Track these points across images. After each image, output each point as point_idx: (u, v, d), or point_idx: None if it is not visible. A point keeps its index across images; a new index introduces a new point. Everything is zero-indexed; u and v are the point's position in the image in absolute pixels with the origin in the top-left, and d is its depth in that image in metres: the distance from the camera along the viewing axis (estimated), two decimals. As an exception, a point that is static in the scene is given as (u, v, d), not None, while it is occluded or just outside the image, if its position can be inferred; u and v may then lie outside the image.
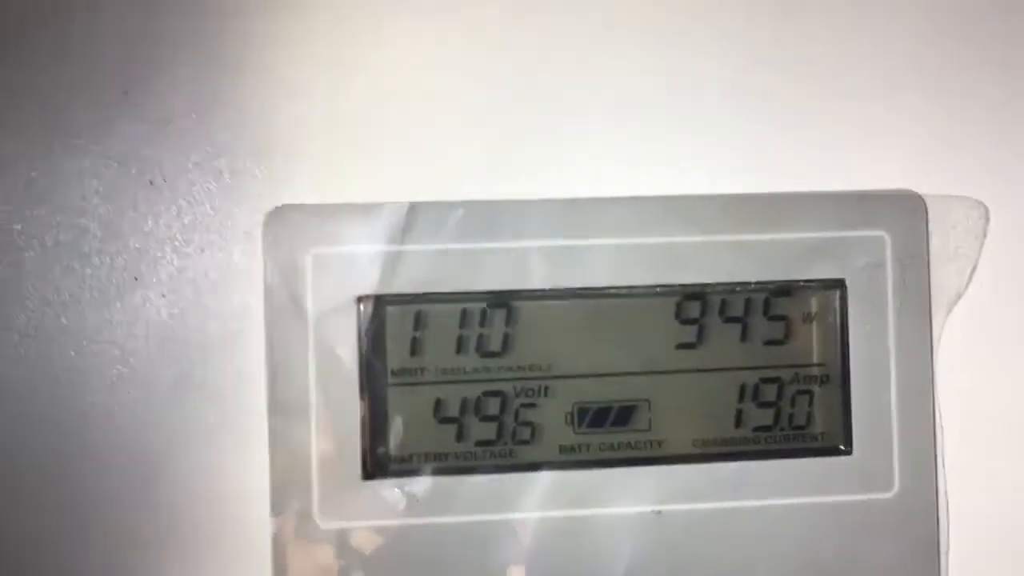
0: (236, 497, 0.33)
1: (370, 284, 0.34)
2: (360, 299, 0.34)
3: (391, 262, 0.34)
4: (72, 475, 0.32)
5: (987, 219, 0.36)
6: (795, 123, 0.35)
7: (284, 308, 0.33)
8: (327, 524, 0.33)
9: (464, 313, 0.35)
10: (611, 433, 0.35)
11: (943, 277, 0.36)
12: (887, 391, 0.35)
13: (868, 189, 0.35)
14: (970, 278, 0.36)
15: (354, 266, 0.34)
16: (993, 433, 0.36)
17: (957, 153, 0.36)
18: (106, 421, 0.33)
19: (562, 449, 0.35)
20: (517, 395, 0.35)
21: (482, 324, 0.35)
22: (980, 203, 0.36)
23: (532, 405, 0.35)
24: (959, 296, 0.36)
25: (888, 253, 0.35)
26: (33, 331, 0.32)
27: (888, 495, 0.35)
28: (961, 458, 0.35)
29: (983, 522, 0.35)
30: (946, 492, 0.35)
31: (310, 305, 0.33)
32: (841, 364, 0.35)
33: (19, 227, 0.32)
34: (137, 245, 0.33)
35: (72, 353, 0.33)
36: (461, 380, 0.35)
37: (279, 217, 0.33)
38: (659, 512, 0.34)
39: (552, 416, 0.35)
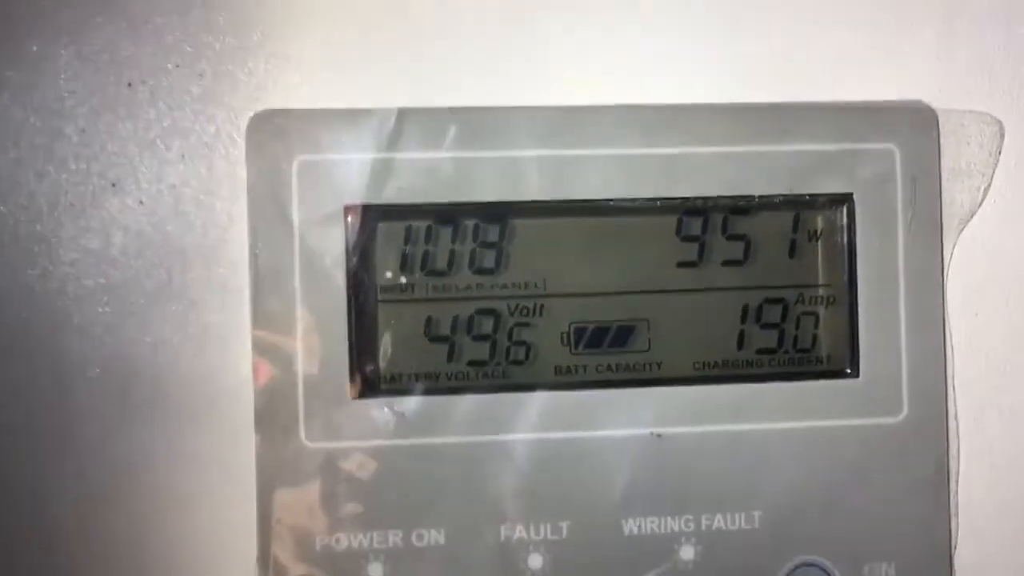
0: (218, 411, 0.32)
1: (358, 193, 0.32)
2: (347, 209, 0.32)
3: (380, 171, 0.32)
4: (47, 386, 0.31)
5: (1002, 136, 0.34)
6: (804, 30, 0.33)
7: (268, 217, 0.32)
8: (314, 443, 0.32)
9: (457, 228, 0.33)
10: (609, 354, 0.33)
11: (955, 194, 0.34)
12: (896, 312, 0.33)
13: (878, 100, 0.33)
14: (984, 196, 0.34)
15: (341, 174, 0.32)
16: (1006, 355, 0.34)
17: (973, 68, 0.34)
18: (82, 333, 0.31)
19: (558, 370, 0.33)
20: (511, 314, 0.33)
21: (475, 239, 0.33)
22: (995, 119, 0.34)
23: (527, 324, 0.33)
24: (972, 214, 0.34)
25: (898, 167, 0.33)
26: (6, 239, 0.31)
27: (896, 419, 0.33)
28: (972, 381, 0.34)
29: (994, 447, 0.34)
30: (956, 416, 0.34)
31: (296, 214, 0.32)
32: (848, 284, 0.34)
33: (-10, 129, 0.31)
34: (115, 149, 0.31)
35: (47, 262, 0.31)
36: (453, 297, 0.33)
37: (263, 122, 0.32)
38: (659, 435, 0.33)
39: (547, 336, 0.33)
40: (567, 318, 0.33)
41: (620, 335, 0.33)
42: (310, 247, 0.32)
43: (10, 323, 0.31)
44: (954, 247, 0.34)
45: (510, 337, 0.33)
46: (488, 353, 0.33)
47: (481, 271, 0.33)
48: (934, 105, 0.33)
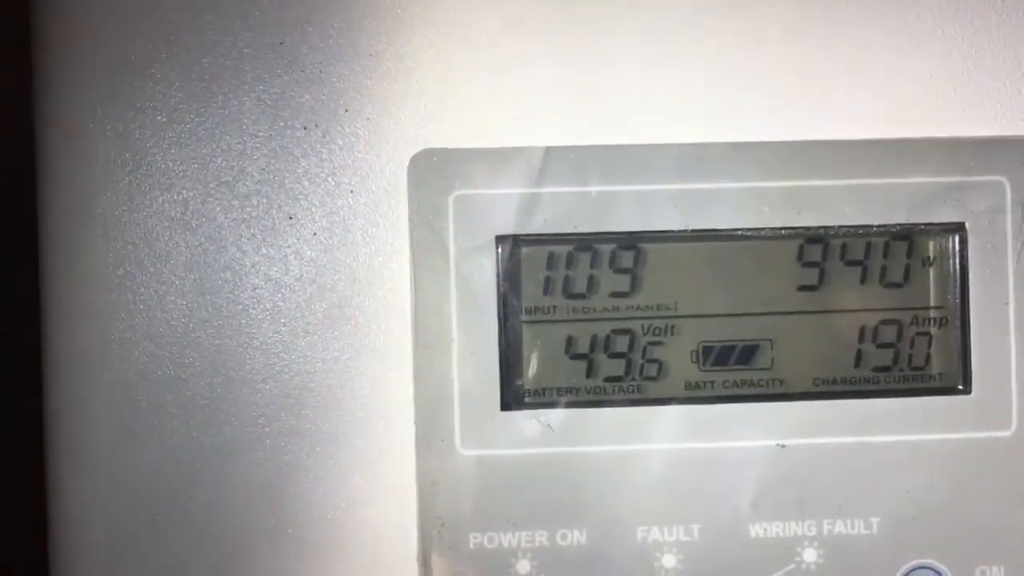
0: (382, 426, 0.34)
1: (508, 225, 0.34)
2: (499, 239, 0.35)
3: (528, 204, 0.34)
4: (229, 401, 0.34)
5: (1107, 167, 0.35)
6: (919, 67, 0.35)
7: (427, 247, 0.34)
8: (468, 451, 0.34)
9: (595, 254, 0.35)
10: (735, 371, 0.36)
11: (1063, 222, 0.35)
12: (1006, 332, 0.35)
13: (988, 135, 0.35)
14: (1089, 224, 0.35)
15: (493, 207, 0.34)
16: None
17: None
18: (262, 352, 0.34)
19: (688, 385, 0.35)
20: (644, 333, 0.35)
21: (611, 265, 0.36)
22: (1100, 150, 0.35)
23: (659, 343, 0.35)
24: (1079, 241, 0.35)
25: (1008, 198, 0.35)
26: (197, 266, 0.34)
27: (1006, 433, 0.35)
28: (1079, 398, 0.35)
29: (1101, 460, 0.35)
30: (1064, 431, 0.35)
31: (452, 244, 0.34)
32: (960, 306, 0.35)
33: (183, 167, 0.34)
34: (291, 186, 0.34)
35: (232, 288, 0.34)
36: (591, 318, 0.35)
37: (423, 160, 0.34)
38: (783, 446, 0.35)
39: (678, 354, 0.36)
40: (696, 337, 0.35)
41: (745, 353, 0.36)
42: (465, 273, 0.34)
43: (202, 342, 0.34)
44: (1061, 272, 0.35)
45: (643, 355, 0.35)
46: (624, 370, 0.35)
47: (616, 294, 0.35)
48: (1043, 139, 0.35)
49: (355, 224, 0.34)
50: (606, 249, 0.35)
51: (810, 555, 0.34)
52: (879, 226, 0.35)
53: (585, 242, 0.35)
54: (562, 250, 0.35)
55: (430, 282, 0.34)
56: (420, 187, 0.34)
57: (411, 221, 0.34)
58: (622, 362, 0.35)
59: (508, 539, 0.34)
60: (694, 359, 0.35)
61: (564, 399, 0.35)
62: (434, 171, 0.34)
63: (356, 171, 0.34)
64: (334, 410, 0.34)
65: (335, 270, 0.34)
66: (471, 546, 0.34)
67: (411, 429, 0.34)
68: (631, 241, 0.35)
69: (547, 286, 0.35)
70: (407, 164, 0.34)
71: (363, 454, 0.34)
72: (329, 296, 0.34)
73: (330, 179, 0.34)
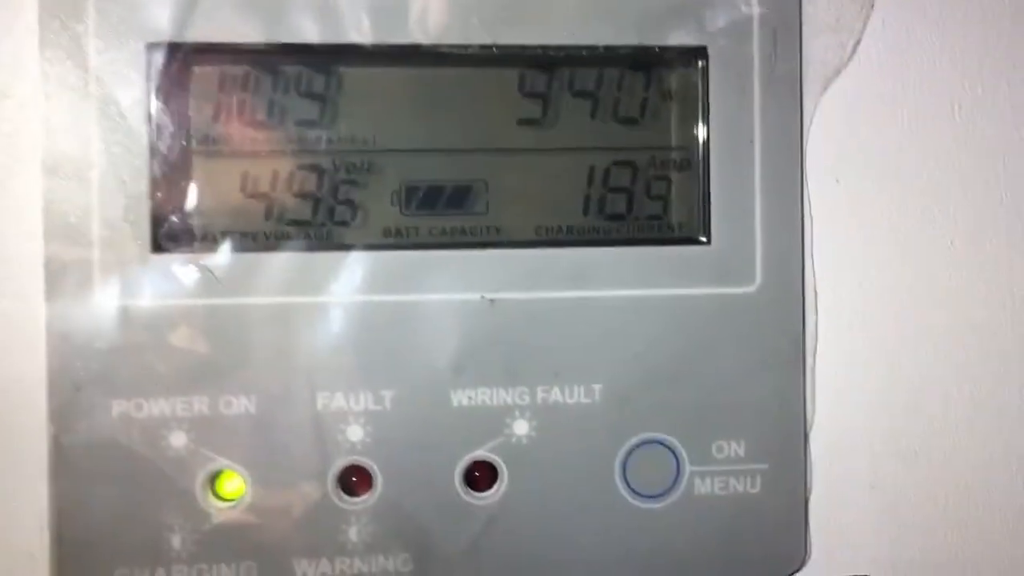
0: (5, 266, 0.28)
1: (162, 30, 0.28)
2: (151, 47, 0.28)
3: (187, 5, 0.28)
4: None
5: (874, -13, 0.30)
6: None
7: (60, 54, 0.27)
8: (109, 301, 0.28)
9: (278, 75, 0.29)
10: (443, 216, 0.30)
11: (820, 50, 0.30)
12: (751, 177, 0.30)
13: (733, -56, 0.30)
14: (852, 53, 0.30)
15: (144, 8, 0.28)
16: (867, 225, 0.30)
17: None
18: None
19: (386, 232, 0.29)
20: (337, 170, 0.29)
21: (298, 88, 0.29)
22: (866, -32, 0.30)
23: (354, 182, 0.29)
24: (838, 72, 0.30)
25: (755, 18, 0.30)
26: None
27: (749, 289, 0.30)
28: (831, 251, 0.30)
29: (853, 321, 0.30)
30: (814, 287, 0.30)
31: (92, 52, 0.28)
32: (702, 147, 0.30)
33: None
34: None
35: None
36: (272, 151, 0.29)
37: (56, -53, 0.27)
38: (491, 300, 0.29)
39: (376, 195, 0.29)
40: (398, 177, 0.29)
41: (456, 196, 0.30)
42: (108, 88, 0.28)
43: None
44: (816, 108, 0.30)
45: (335, 195, 0.29)
46: (311, 212, 0.29)
47: (304, 123, 0.29)
48: (796, -47, 0.30)
49: (-30, 23, 0.27)
50: (291, 70, 0.29)
51: (521, 427, 0.29)
52: (608, 47, 0.29)
53: (265, 59, 0.28)
54: (237, 68, 0.28)
55: (64, 97, 0.27)
56: (52, -20, 0.27)
57: (41, 22, 0.27)
58: (309, 203, 0.29)
59: (160, 407, 0.28)
60: (395, 202, 0.29)
61: (234, 243, 0.28)
62: (69, -39, 0.27)
63: (-29, -42, 0.27)
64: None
65: (-56, 78, 0.27)
66: (114, 415, 0.27)
67: (40, 272, 0.27)
68: (322, 61, 0.29)
69: (217, 110, 0.28)
70: (35, -49, 0.27)
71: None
72: (-64, 110, 0.27)
73: (-62, -34, 0.27)
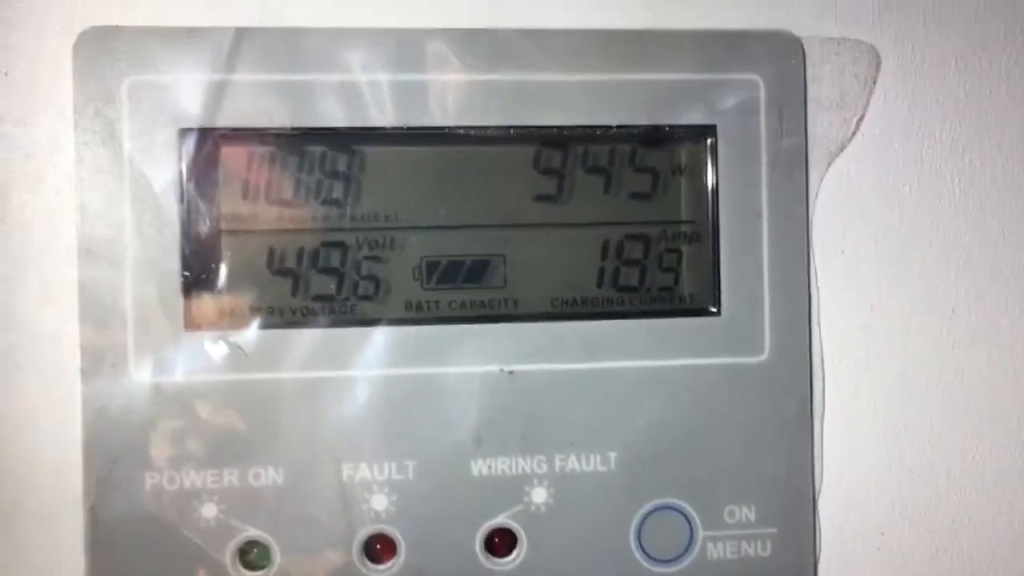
0: (44, 348, 0.29)
1: (193, 117, 0.29)
2: (183, 132, 0.29)
3: (216, 93, 0.29)
4: None
5: (877, 65, 0.31)
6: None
7: (96, 140, 0.29)
8: (143, 376, 0.29)
9: (303, 155, 0.30)
10: (462, 290, 0.31)
11: (824, 126, 0.31)
12: (759, 249, 0.31)
13: (740, 28, 0.31)
14: (856, 128, 0.31)
15: (176, 96, 0.29)
16: (872, 294, 0.31)
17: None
18: None
19: (408, 306, 0.30)
20: (360, 246, 0.30)
21: (323, 168, 0.30)
22: (871, 47, 0.31)
23: (376, 258, 0.30)
24: (843, 147, 0.31)
25: (762, 98, 0.31)
26: None
27: (758, 359, 0.31)
28: (837, 321, 0.31)
29: (860, 388, 0.31)
30: (821, 356, 0.31)
31: (125, 138, 0.29)
32: (711, 220, 0.31)
33: None
34: (-69, 66, 0.28)
35: None
36: (298, 229, 0.30)
37: (92, 39, 0.29)
38: (510, 372, 0.30)
39: (398, 270, 0.30)
40: (419, 252, 0.30)
41: (475, 270, 0.31)
42: (142, 171, 0.29)
43: None
44: (821, 181, 0.31)
45: (359, 271, 0.30)
46: (335, 287, 0.30)
47: (329, 202, 0.30)
48: (802, 33, 0.31)
49: (10, 113, 0.28)
50: (316, 150, 0.30)
51: (539, 495, 0.30)
52: (620, 127, 0.30)
53: (290, 141, 0.29)
54: (264, 150, 0.29)
55: (99, 180, 0.28)
56: (88, 71, 0.28)
57: (76, 110, 0.28)
58: (333, 278, 0.30)
59: (191, 479, 0.29)
60: (416, 276, 0.30)
61: (262, 319, 0.29)
62: (105, 52, 0.28)
63: (12, 50, 0.28)
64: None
65: (-16, 165, 0.28)
66: (147, 487, 0.28)
67: (77, 352, 0.28)
68: (345, 141, 0.30)
69: (246, 190, 0.29)
70: (72, 44, 0.28)
71: (20, 381, 0.28)
72: (-23, 195, 0.28)
73: (-21, 59, 0.28)
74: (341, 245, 0.30)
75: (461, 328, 0.29)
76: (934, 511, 0.31)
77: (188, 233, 0.28)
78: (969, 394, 0.31)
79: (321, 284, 0.29)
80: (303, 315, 0.29)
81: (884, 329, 0.31)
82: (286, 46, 0.29)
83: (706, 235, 0.30)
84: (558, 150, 0.30)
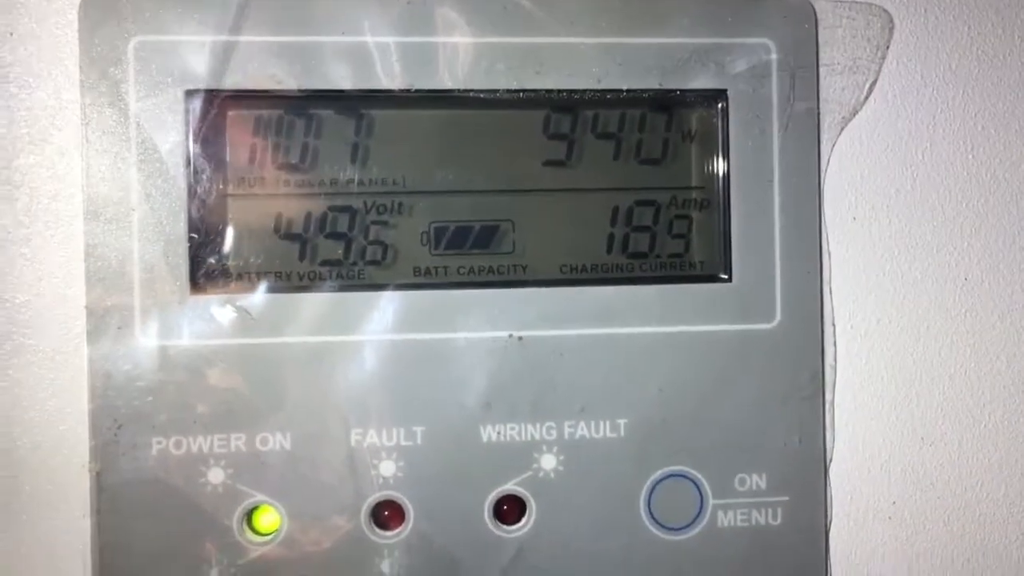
0: (49, 310, 0.28)
1: (200, 77, 0.29)
2: (189, 94, 0.29)
3: (223, 53, 0.29)
4: None
5: (891, 29, 0.31)
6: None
7: (102, 101, 0.28)
8: (149, 340, 0.28)
9: (311, 119, 0.30)
10: (471, 255, 0.30)
11: (837, 91, 0.31)
12: (770, 214, 0.30)
13: (752, -9, 0.30)
14: (868, 92, 0.31)
15: (183, 57, 0.28)
16: (884, 260, 0.31)
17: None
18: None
19: (416, 271, 0.30)
20: (368, 211, 0.30)
21: (330, 132, 0.30)
22: (884, 11, 0.31)
23: (384, 223, 0.30)
24: (855, 112, 0.31)
25: (773, 62, 0.30)
26: None
27: (769, 325, 0.30)
28: (849, 287, 0.31)
29: (872, 355, 0.31)
30: (833, 323, 0.30)
31: (132, 99, 0.28)
32: (722, 186, 0.31)
33: None
34: (-65, 25, 0.28)
35: None
36: (306, 193, 0.30)
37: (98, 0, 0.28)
38: (519, 337, 0.29)
39: (407, 235, 0.30)
40: (427, 217, 0.30)
41: (483, 236, 0.30)
42: (148, 133, 0.28)
43: None
44: (833, 147, 0.30)
45: (366, 236, 0.30)
46: (343, 252, 0.30)
47: (336, 166, 0.30)
48: (815, -2, 0.30)
49: (14, 73, 0.28)
50: (323, 114, 0.29)
51: (549, 461, 0.29)
52: (630, 91, 0.29)
53: (297, 104, 0.29)
54: (271, 112, 0.29)
55: (105, 142, 0.28)
56: (93, 31, 0.28)
57: (82, 70, 0.28)
58: (341, 243, 0.29)
59: (198, 443, 0.28)
60: (424, 241, 0.30)
61: (269, 283, 0.29)
62: (110, 12, 0.28)
63: (17, 9, 0.28)
64: (-14, 291, 0.27)
65: (-11, 126, 0.28)
66: (154, 452, 0.28)
67: (83, 315, 0.28)
68: (352, 105, 0.29)
69: (253, 153, 0.29)
70: (78, 3, 0.28)
71: (24, 344, 0.28)
72: (-18, 156, 0.27)
73: (-16, 18, 0.28)
74: (349, 209, 0.29)
75: (470, 293, 0.29)
76: (946, 480, 0.30)
77: (195, 196, 0.28)
78: (981, 362, 0.30)
79: (329, 249, 0.29)
80: (310, 280, 0.29)
81: (896, 296, 0.30)
82: (294, 7, 0.28)
83: (716, 201, 0.30)
84: (567, 115, 0.30)
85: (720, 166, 0.30)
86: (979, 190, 0.30)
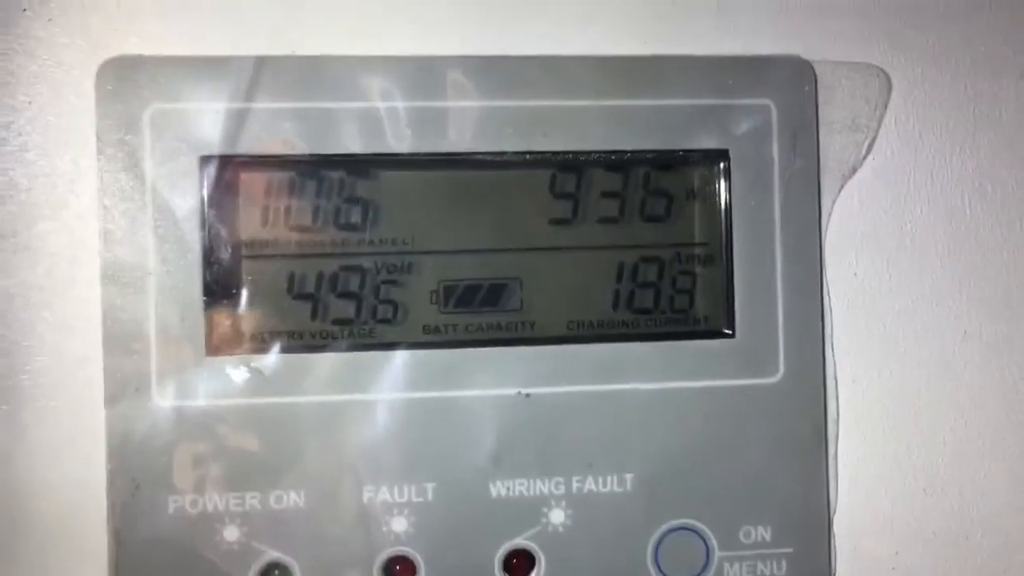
0: (67, 373, 0.29)
1: (214, 144, 0.29)
2: (204, 160, 0.29)
3: (237, 121, 0.29)
4: None
5: (889, 88, 0.31)
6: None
7: (119, 167, 0.29)
8: (165, 401, 0.29)
9: (322, 181, 0.30)
10: (479, 313, 0.31)
11: (837, 150, 0.31)
12: (772, 272, 0.31)
13: (752, 54, 0.31)
14: (868, 151, 0.31)
15: (197, 124, 0.29)
16: (885, 315, 0.31)
17: (855, 19, 0.31)
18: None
19: (426, 329, 0.31)
20: (378, 271, 0.30)
21: (341, 194, 0.30)
22: (882, 71, 0.31)
23: (394, 282, 0.30)
24: (854, 170, 0.31)
25: (774, 122, 0.31)
26: None
27: (772, 380, 0.31)
28: (851, 342, 0.31)
29: (873, 409, 0.31)
30: (835, 377, 0.31)
31: (148, 165, 0.29)
32: (725, 243, 0.31)
33: None
34: (-44, 95, 0.28)
35: None
36: (317, 254, 0.30)
37: (115, 68, 0.29)
38: (527, 394, 0.30)
39: (416, 294, 0.31)
40: (436, 276, 0.31)
41: (492, 294, 0.31)
42: (164, 198, 0.29)
43: None
44: (834, 204, 0.31)
45: (377, 295, 0.30)
46: (354, 311, 0.30)
47: (347, 227, 0.30)
48: (813, 58, 0.31)
49: (34, 141, 0.28)
50: (334, 176, 0.30)
51: (557, 516, 0.30)
52: (635, 152, 0.30)
53: (309, 167, 0.30)
54: (283, 176, 0.30)
55: (122, 207, 0.28)
56: (110, 99, 0.28)
57: (99, 138, 0.28)
58: (352, 303, 0.30)
59: (214, 502, 0.29)
60: (434, 300, 0.30)
61: (282, 343, 0.29)
62: (127, 81, 0.29)
63: (36, 80, 0.28)
64: (7, 353, 0.28)
65: (11, 194, 0.28)
66: (171, 511, 0.28)
67: (100, 377, 0.28)
68: (362, 167, 0.30)
69: (265, 216, 0.30)
70: (95, 72, 0.28)
71: (45, 406, 0.28)
72: (2, 223, 0.28)
73: (5, 89, 0.28)
74: (360, 269, 0.30)
75: (478, 351, 0.29)
76: (948, 531, 0.31)
77: (210, 259, 0.29)
78: (981, 414, 0.31)
79: (340, 308, 0.30)
80: (323, 339, 0.29)
81: (897, 350, 0.31)
82: (305, 74, 0.29)
83: (720, 257, 0.30)
84: (573, 174, 0.30)
85: (723, 223, 0.30)
86: (977, 246, 0.31)
